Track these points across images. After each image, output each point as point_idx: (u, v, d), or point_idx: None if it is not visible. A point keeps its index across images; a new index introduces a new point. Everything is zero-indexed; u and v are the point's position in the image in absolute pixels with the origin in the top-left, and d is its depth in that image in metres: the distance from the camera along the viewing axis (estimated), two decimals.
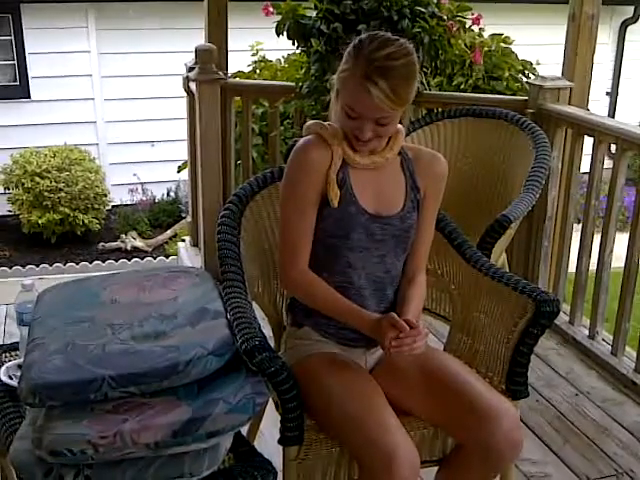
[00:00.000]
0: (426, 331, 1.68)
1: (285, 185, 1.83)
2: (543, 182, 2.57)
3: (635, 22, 8.65)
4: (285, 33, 3.25)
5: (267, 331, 1.94)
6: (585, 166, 3.08)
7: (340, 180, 1.77)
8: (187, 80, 3.58)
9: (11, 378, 1.82)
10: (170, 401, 1.50)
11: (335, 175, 1.75)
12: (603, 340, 3.05)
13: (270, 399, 1.71)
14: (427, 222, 1.90)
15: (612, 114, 8.76)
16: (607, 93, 8.78)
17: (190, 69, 3.53)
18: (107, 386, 1.48)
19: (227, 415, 1.49)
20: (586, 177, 3.04)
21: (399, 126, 1.80)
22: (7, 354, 2.01)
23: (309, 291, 1.83)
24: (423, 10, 3.11)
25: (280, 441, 1.69)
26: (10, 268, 5.94)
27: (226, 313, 1.74)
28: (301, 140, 1.82)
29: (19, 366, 1.79)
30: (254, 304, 1.91)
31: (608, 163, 2.92)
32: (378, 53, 1.65)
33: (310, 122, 1.86)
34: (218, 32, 3.63)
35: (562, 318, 3.16)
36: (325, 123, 1.82)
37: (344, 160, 1.78)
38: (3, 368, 1.86)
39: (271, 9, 3.31)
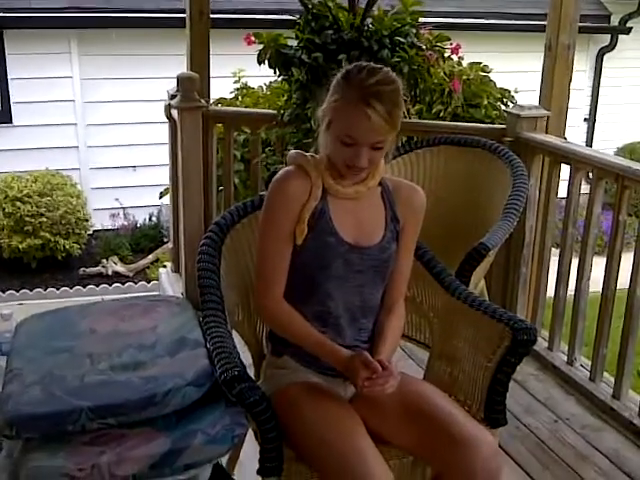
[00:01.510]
0: (398, 371, 1.70)
1: (264, 214, 1.85)
2: (521, 210, 2.60)
3: (611, 50, 8.81)
4: (267, 62, 3.28)
5: (247, 356, 1.94)
6: (563, 191, 3.12)
7: (319, 211, 1.79)
8: (169, 107, 3.60)
9: None
10: (148, 432, 1.50)
11: (309, 213, 1.77)
12: (581, 366, 3.07)
13: (250, 428, 1.71)
14: (406, 253, 1.92)
15: (590, 140, 8.88)
16: (585, 119, 8.91)
17: (172, 96, 3.54)
18: (85, 417, 1.48)
19: (206, 446, 1.50)
20: (564, 202, 3.08)
21: None
22: None
23: (284, 322, 1.84)
24: (403, 40, 3.16)
25: (259, 471, 1.69)
26: None
27: (205, 343, 1.74)
28: (281, 170, 1.84)
29: None
30: (234, 332, 1.92)
31: (586, 188, 2.96)
32: (369, 80, 1.69)
33: (292, 152, 1.88)
34: (200, 60, 3.65)
35: (541, 344, 3.18)
36: (307, 154, 1.84)
37: (325, 191, 1.80)
38: None
39: (253, 38, 3.34)
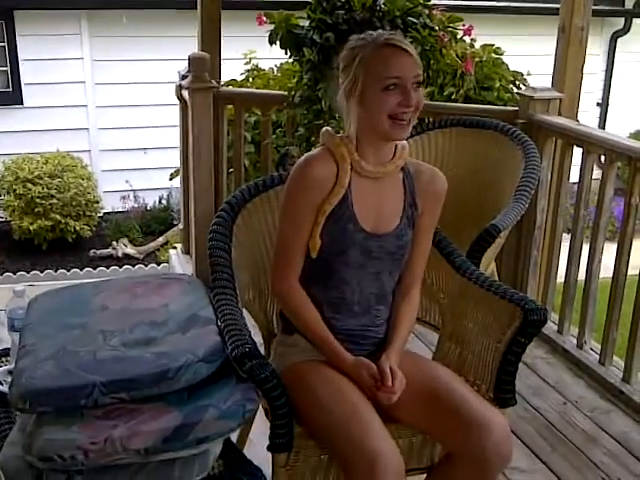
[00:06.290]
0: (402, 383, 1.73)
1: (285, 198, 1.84)
2: (532, 192, 2.60)
3: (625, 34, 8.73)
4: (278, 42, 3.27)
5: (258, 338, 1.95)
6: (575, 176, 3.10)
7: (341, 196, 1.78)
8: (180, 88, 3.60)
9: (1, 384, 1.82)
10: (160, 407, 1.51)
11: (336, 200, 1.76)
12: (591, 349, 3.07)
13: (260, 407, 1.72)
14: (423, 238, 1.91)
15: (602, 125, 8.82)
16: (598, 104, 8.84)
17: (183, 77, 3.54)
18: (98, 392, 1.49)
19: (217, 421, 1.51)
20: (576, 187, 3.06)
21: (403, 142, 1.82)
22: None
23: (294, 308, 1.85)
24: (415, 21, 3.14)
25: (269, 448, 1.70)
26: (1, 274, 5.92)
27: (217, 320, 1.75)
28: (305, 155, 1.82)
29: (10, 372, 1.80)
30: (245, 311, 1.93)
31: (598, 173, 2.95)
32: (381, 33, 1.76)
33: (325, 129, 1.84)
34: (211, 41, 3.65)
35: (551, 327, 3.18)
36: (338, 135, 1.80)
37: (351, 170, 1.78)
38: None
39: (264, 19, 3.33)
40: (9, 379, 1.75)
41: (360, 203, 1.79)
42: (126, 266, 6.21)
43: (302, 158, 1.81)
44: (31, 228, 6.26)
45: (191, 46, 3.81)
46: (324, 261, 1.81)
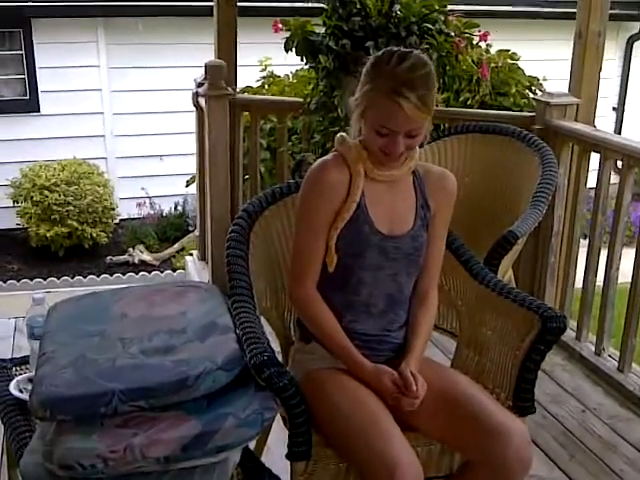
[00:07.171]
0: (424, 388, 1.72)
1: (300, 203, 1.85)
2: (550, 198, 2.58)
3: None
4: (294, 49, 3.28)
5: (275, 346, 1.95)
6: (592, 182, 3.09)
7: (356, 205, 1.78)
8: (196, 95, 3.62)
9: (22, 392, 1.83)
10: (179, 415, 1.51)
11: (349, 214, 1.76)
12: (610, 356, 3.05)
13: (278, 414, 1.72)
14: (437, 240, 1.91)
15: (619, 129, 8.76)
16: (614, 109, 8.79)
17: (199, 84, 3.56)
18: (117, 400, 1.49)
19: (236, 429, 1.51)
20: (593, 193, 3.05)
21: None
22: (18, 367, 2.03)
23: (313, 315, 1.85)
24: (431, 27, 3.13)
25: (288, 456, 1.70)
26: (18, 281, 5.96)
27: (235, 328, 1.75)
28: (318, 160, 1.83)
29: (30, 380, 1.81)
30: (262, 319, 1.93)
31: (615, 179, 2.93)
32: (400, 67, 1.68)
33: (340, 135, 1.85)
34: (227, 48, 3.66)
35: (568, 334, 3.16)
36: (352, 142, 1.81)
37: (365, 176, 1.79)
38: (14, 382, 1.87)
39: (280, 26, 3.34)
40: (29, 387, 1.76)
41: (374, 207, 1.80)
42: (142, 273, 6.23)
43: (316, 163, 1.83)
44: (48, 235, 6.30)
45: (207, 53, 3.83)
46: (342, 266, 1.81)
